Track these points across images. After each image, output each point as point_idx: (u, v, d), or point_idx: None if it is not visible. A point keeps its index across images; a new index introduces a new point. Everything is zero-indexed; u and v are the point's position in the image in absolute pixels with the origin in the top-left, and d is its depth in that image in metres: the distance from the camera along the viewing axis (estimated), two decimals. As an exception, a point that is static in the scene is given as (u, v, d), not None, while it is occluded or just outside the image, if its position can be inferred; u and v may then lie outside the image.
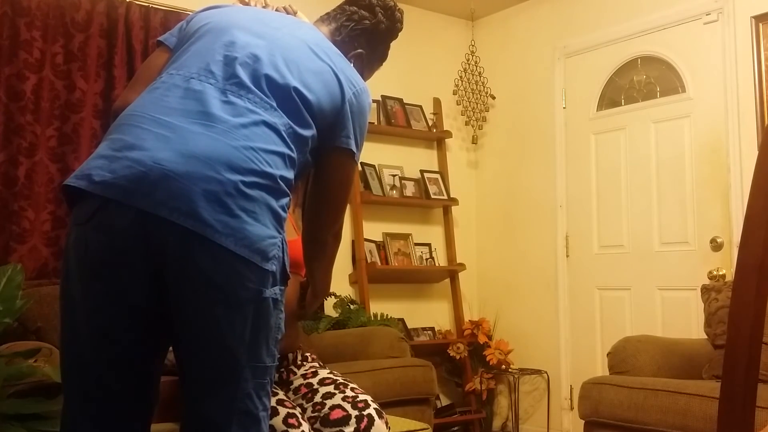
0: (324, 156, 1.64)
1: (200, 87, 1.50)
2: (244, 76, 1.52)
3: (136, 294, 1.43)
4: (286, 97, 1.54)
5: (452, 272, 4.85)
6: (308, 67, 1.60)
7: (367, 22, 1.88)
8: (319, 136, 1.60)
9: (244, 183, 1.40)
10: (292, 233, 2.23)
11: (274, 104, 1.52)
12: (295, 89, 1.55)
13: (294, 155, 1.52)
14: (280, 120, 1.51)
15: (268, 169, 1.44)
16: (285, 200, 1.48)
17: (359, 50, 1.87)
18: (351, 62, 1.82)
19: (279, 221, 1.46)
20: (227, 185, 1.38)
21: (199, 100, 1.48)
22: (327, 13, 1.92)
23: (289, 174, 1.50)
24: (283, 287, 1.48)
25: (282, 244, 1.46)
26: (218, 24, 1.64)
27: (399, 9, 1.97)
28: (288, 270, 1.49)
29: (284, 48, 1.61)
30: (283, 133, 1.51)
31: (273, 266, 1.43)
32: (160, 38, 1.73)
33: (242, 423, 1.42)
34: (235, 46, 1.57)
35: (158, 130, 1.43)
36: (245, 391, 1.42)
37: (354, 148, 1.65)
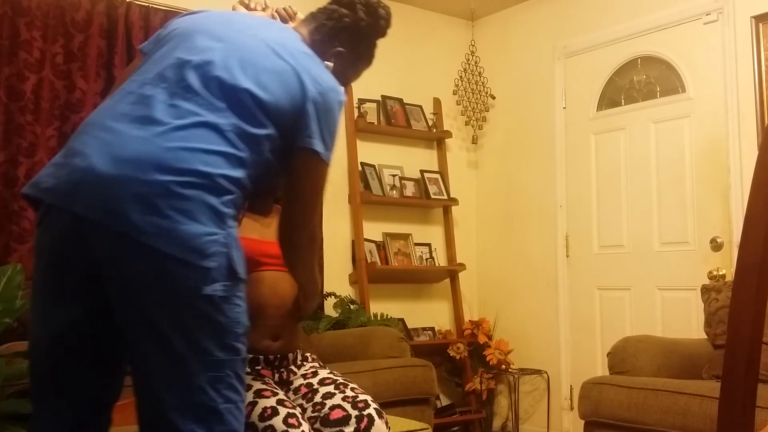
0: (292, 157, 1.65)
1: (151, 92, 1.53)
2: (193, 79, 1.55)
3: (80, 295, 1.49)
4: (235, 98, 1.55)
5: (452, 272, 4.84)
6: (266, 67, 1.61)
7: (347, 20, 1.86)
8: (282, 137, 1.60)
9: (176, 183, 1.42)
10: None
11: (223, 105, 1.53)
12: (247, 90, 1.56)
13: (242, 154, 1.52)
14: (225, 120, 1.52)
15: (205, 168, 1.46)
16: (228, 197, 1.49)
17: (339, 48, 1.85)
18: (331, 61, 1.81)
19: (221, 218, 1.46)
20: (156, 186, 1.41)
21: (147, 104, 1.51)
22: (311, 13, 1.92)
23: (236, 173, 1.50)
24: (229, 283, 1.47)
25: (227, 239, 1.46)
26: (184, 30, 1.68)
27: (383, 6, 1.93)
28: (237, 265, 1.49)
29: (242, 49, 1.62)
30: (228, 133, 1.51)
31: (213, 263, 1.43)
32: (140, 46, 1.79)
33: (197, 415, 1.44)
34: (192, 51, 1.60)
35: (103, 136, 1.48)
36: (197, 385, 1.44)
37: (319, 148, 1.63)
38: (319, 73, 1.67)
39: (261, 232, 2.15)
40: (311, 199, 1.71)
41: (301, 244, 1.76)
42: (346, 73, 1.86)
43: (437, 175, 4.87)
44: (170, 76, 1.55)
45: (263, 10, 2.18)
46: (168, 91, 1.53)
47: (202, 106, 1.52)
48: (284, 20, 2.22)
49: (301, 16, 2.25)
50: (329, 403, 1.99)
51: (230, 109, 1.53)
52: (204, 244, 1.42)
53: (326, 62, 1.80)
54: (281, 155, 1.62)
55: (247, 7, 2.16)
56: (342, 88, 1.72)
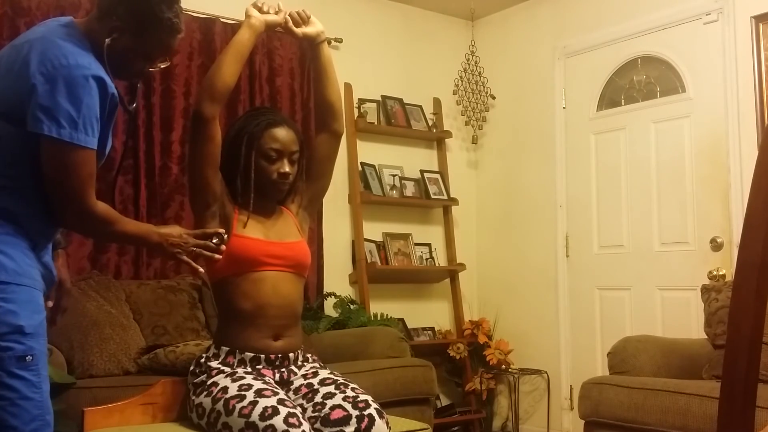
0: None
1: None
2: None
3: None
4: None
5: (452, 272, 4.85)
6: (3, 69, 1.71)
7: None
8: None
9: None
10: (297, 235, 2.23)
11: None
12: None
13: None
14: None
15: None
16: None
17: (116, 23, 1.76)
18: (112, 36, 1.75)
19: None
20: None
21: None
22: None
23: None
24: None
25: None
26: None
27: None
28: None
29: None
30: None
31: None
32: None
33: None
34: None
35: None
36: None
37: (47, 130, 1.63)
38: (54, 54, 1.66)
39: (264, 233, 2.15)
40: (58, 180, 1.69)
41: (70, 224, 1.84)
42: (140, 44, 1.78)
43: (437, 175, 4.87)
44: None
45: (276, 13, 2.18)
46: None
47: None
48: (297, 23, 2.21)
49: (315, 19, 2.24)
50: (330, 403, 1.99)
51: None
52: None
53: (107, 39, 1.74)
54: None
55: (260, 10, 2.16)
56: (84, 62, 1.67)
